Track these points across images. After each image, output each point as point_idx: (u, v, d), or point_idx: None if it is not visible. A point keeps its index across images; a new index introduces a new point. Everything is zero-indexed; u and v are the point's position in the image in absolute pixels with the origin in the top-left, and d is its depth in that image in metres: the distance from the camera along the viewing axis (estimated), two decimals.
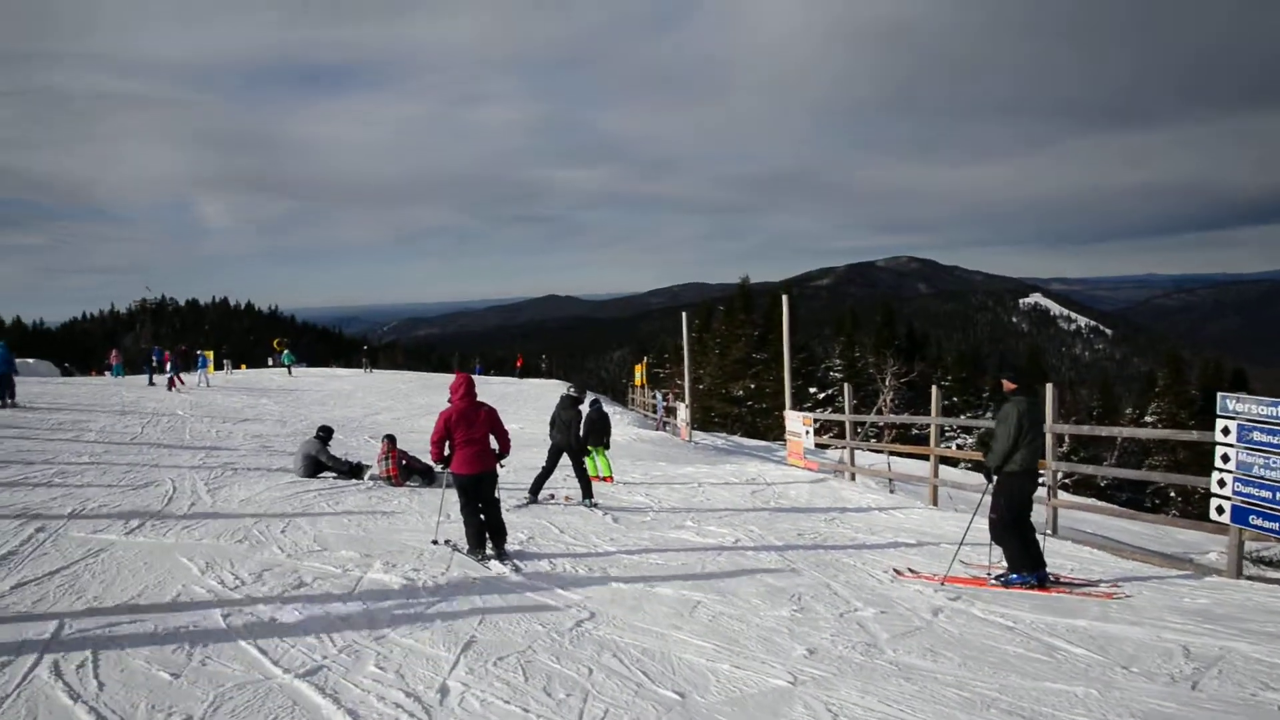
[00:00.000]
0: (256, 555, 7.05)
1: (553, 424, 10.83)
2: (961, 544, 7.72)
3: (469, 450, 7.36)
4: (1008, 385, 7.29)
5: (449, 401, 7.50)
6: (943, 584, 7.08)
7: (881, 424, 30.15)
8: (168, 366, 27.38)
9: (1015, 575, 7.07)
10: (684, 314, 25.66)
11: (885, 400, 36.24)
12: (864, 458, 18.91)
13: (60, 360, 47.25)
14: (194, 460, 12.65)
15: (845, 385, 17.11)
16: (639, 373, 35.80)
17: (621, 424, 24.68)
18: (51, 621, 5.14)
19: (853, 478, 14.32)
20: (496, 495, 7.51)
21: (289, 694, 4.26)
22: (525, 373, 43.79)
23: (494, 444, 7.54)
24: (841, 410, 15.73)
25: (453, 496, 7.74)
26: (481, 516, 7.38)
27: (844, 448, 15.35)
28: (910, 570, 7.56)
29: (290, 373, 39.85)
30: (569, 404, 10.82)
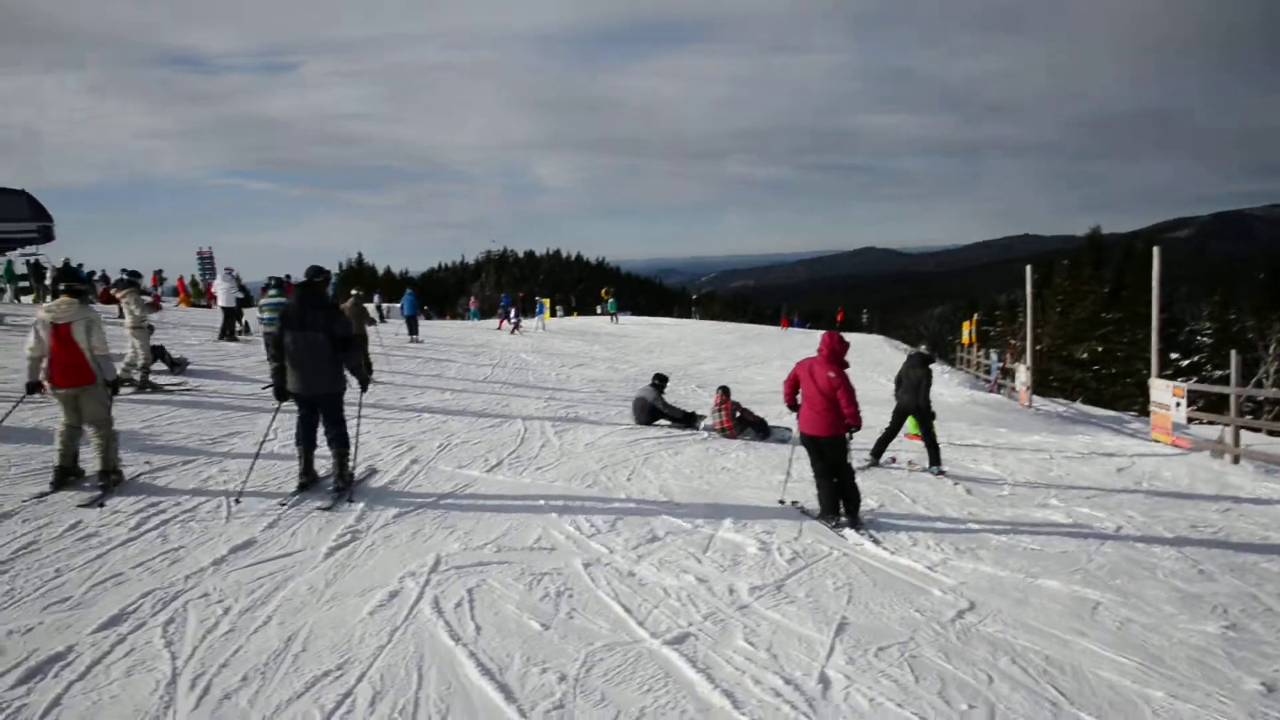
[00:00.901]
0: (607, 503, 7.02)
1: (898, 383, 10.01)
2: None
3: (807, 408, 6.87)
4: None
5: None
6: None
7: (1261, 398, 25.85)
8: (513, 312, 29.82)
9: None
10: (1028, 267, 23.29)
11: (1270, 371, 31.03)
12: (1249, 437, 16.12)
13: (421, 305, 52.77)
14: (539, 401, 13.29)
15: (1232, 353, 14.54)
16: (967, 330, 33.35)
17: (950, 384, 23.07)
18: (429, 555, 5.33)
19: (1236, 460, 12.10)
20: (848, 461, 6.92)
21: (659, 662, 4.00)
22: (845, 327, 42.43)
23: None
24: (1214, 380, 13.31)
25: (801, 454, 7.26)
26: (834, 479, 6.85)
27: (1226, 424, 13.02)
28: None
29: (615, 320, 41.61)
30: (918, 363, 9.93)
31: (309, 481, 6.76)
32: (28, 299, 26.05)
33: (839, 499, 6.82)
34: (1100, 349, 39.90)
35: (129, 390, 10.34)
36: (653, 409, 11.78)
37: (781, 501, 7.39)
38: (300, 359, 6.50)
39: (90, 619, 4.18)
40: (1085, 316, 40.85)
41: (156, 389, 10.74)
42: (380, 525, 5.96)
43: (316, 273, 6.81)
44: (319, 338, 6.46)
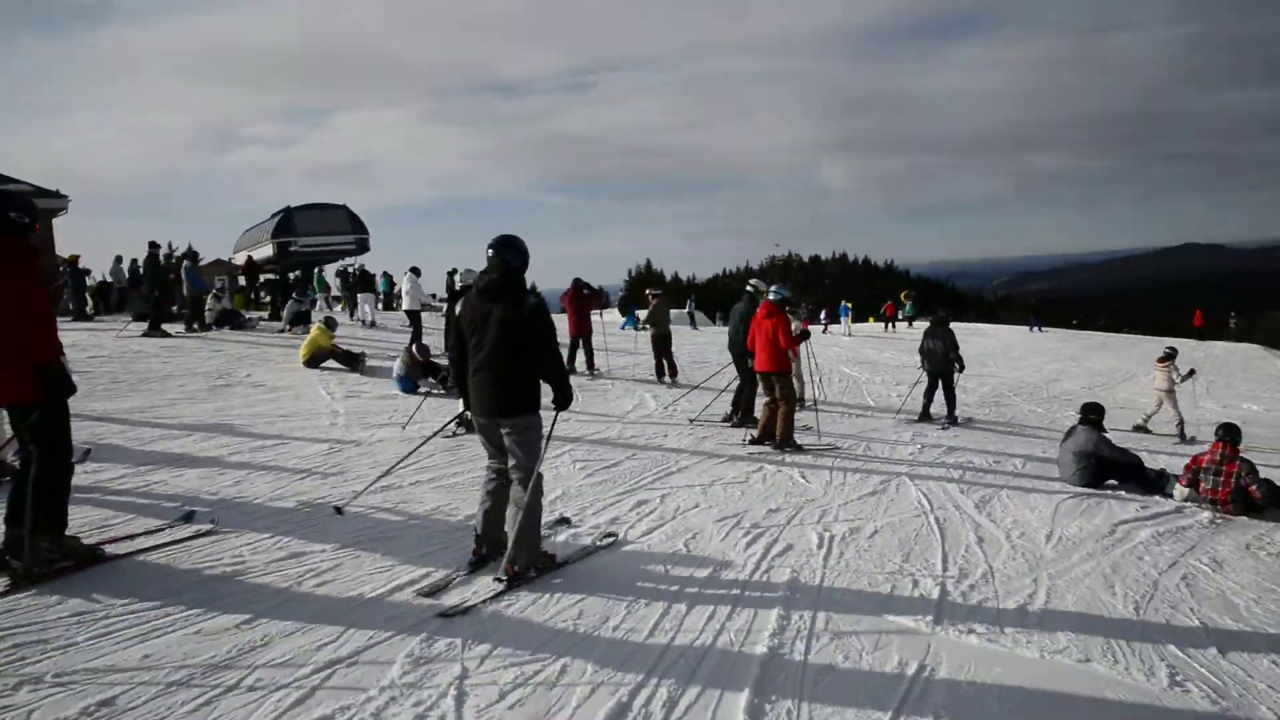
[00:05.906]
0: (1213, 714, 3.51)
1: None
2: None
3: None
4: None
5: None
6: None
7: None
8: (822, 315, 27.57)
9: None
10: None
11: None
12: None
13: (710, 311, 51.56)
14: (907, 442, 9.78)
15: None
16: None
17: None
18: None
19: None
20: None
21: None
22: (1204, 334, 34.91)
23: None
24: None
25: None
26: None
27: None
28: None
29: (910, 324, 37.16)
30: None
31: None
32: (338, 306, 26.72)
33: None
34: None
35: None
36: (1101, 462, 7.95)
37: None
38: None
39: None
40: None
41: None
42: None
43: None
44: None
